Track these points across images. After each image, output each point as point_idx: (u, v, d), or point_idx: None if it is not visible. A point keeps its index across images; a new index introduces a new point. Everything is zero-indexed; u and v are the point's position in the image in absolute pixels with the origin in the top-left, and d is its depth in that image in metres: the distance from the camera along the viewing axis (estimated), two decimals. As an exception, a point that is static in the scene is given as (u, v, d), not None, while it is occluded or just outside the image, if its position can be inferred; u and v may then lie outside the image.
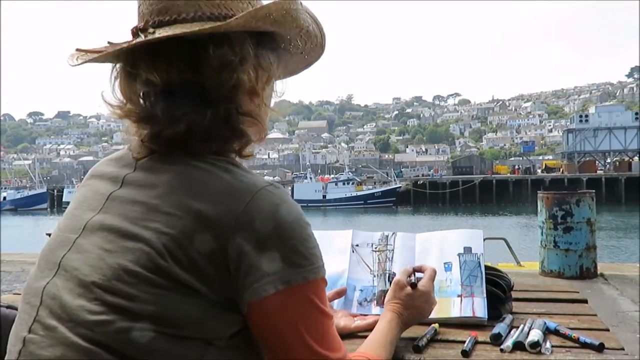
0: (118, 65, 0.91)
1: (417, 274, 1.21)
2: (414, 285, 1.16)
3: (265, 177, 0.90)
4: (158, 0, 0.87)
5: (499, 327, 1.17)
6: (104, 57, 0.89)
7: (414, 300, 1.14)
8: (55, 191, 65.71)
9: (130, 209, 0.83)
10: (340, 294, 1.34)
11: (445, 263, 1.34)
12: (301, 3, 0.89)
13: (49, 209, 59.56)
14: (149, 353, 0.75)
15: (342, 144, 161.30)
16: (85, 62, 0.90)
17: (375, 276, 1.37)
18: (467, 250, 1.34)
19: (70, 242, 0.85)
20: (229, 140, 0.88)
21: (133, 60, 0.87)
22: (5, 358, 0.84)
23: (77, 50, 0.91)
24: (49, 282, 0.83)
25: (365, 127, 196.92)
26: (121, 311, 0.76)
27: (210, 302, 0.78)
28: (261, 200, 0.80)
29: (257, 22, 0.85)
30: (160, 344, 0.75)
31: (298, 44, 0.97)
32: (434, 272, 1.20)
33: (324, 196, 55.50)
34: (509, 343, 1.10)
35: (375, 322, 1.13)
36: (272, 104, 0.99)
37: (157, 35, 0.83)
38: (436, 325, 1.21)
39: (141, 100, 0.88)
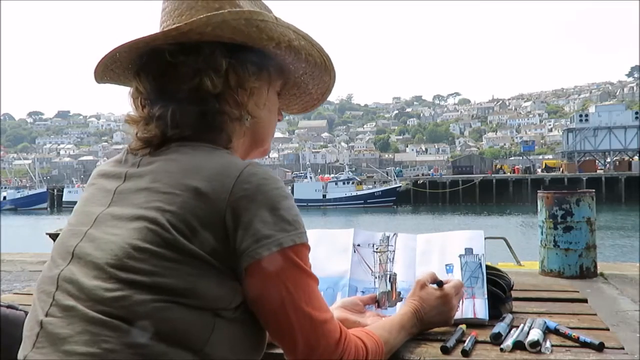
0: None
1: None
2: (440, 284, 1.19)
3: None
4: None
5: (499, 327, 1.17)
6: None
7: (432, 300, 1.17)
8: (55, 191, 65.70)
9: (136, 197, 0.90)
10: (374, 299, 1.34)
11: (446, 265, 1.33)
12: (276, 17, 0.96)
13: (49, 209, 59.54)
14: (165, 322, 0.81)
15: (342, 144, 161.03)
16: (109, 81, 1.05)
17: (376, 278, 1.36)
18: (469, 251, 1.34)
19: (82, 233, 0.91)
20: (209, 133, 0.97)
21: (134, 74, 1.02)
22: (22, 344, 0.87)
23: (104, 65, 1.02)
24: (64, 269, 0.88)
25: (365, 126, 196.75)
26: (135, 285, 0.81)
27: (216, 271, 0.85)
28: (249, 175, 0.88)
29: (214, 29, 0.92)
30: (175, 314, 0.81)
31: (285, 59, 1.02)
32: (461, 284, 1.24)
33: (324, 196, 55.49)
34: (509, 342, 1.10)
35: None
36: (272, 119, 1.09)
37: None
38: (463, 327, 1.19)
39: (140, 107, 1.01)
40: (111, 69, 1.02)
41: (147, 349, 0.79)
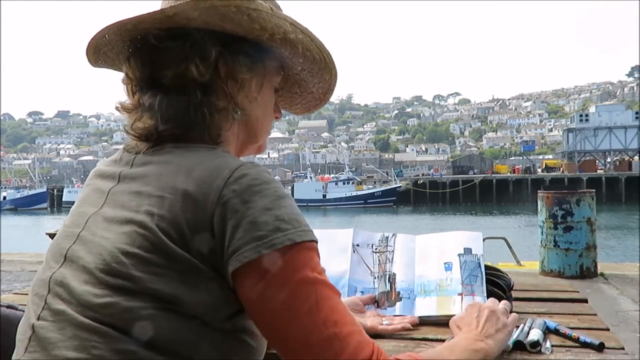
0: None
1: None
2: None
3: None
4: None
5: (499, 327, 1.16)
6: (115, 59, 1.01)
7: (470, 317, 1.08)
8: (55, 191, 65.68)
9: (128, 199, 0.88)
10: (374, 299, 1.32)
11: (445, 263, 1.34)
12: (272, 7, 0.91)
13: (48, 209, 59.57)
14: (154, 330, 0.78)
15: (342, 144, 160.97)
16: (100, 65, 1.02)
17: (375, 278, 1.37)
18: (467, 251, 1.34)
19: (74, 235, 0.90)
20: (196, 128, 0.93)
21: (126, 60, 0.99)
22: (16, 349, 0.86)
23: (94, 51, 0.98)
24: (56, 271, 0.87)
25: (365, 126, 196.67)
26: (124, 292, 0.79)
27: (206, 277, 0.82)
28: (239, 177, 0.84)
29: (201, 14, 0.87)
30: (164, 321, 0.79)
31: (282, 52, 0.98)
32: (509, 305, 1.15)
33: (324, 196, 55.48)
34: (508, 342, 1.10)
35: (403, 328, 1.19)
36: (266, 115, 1.05)
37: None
38: None
39: (131, 94, 0.98)
40: (104, 52, 0.99)
41: (137, 355, 0.78)
